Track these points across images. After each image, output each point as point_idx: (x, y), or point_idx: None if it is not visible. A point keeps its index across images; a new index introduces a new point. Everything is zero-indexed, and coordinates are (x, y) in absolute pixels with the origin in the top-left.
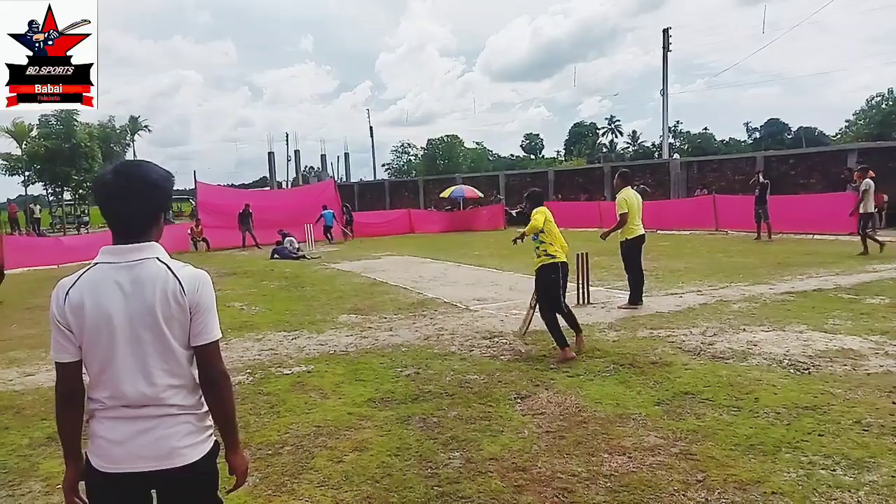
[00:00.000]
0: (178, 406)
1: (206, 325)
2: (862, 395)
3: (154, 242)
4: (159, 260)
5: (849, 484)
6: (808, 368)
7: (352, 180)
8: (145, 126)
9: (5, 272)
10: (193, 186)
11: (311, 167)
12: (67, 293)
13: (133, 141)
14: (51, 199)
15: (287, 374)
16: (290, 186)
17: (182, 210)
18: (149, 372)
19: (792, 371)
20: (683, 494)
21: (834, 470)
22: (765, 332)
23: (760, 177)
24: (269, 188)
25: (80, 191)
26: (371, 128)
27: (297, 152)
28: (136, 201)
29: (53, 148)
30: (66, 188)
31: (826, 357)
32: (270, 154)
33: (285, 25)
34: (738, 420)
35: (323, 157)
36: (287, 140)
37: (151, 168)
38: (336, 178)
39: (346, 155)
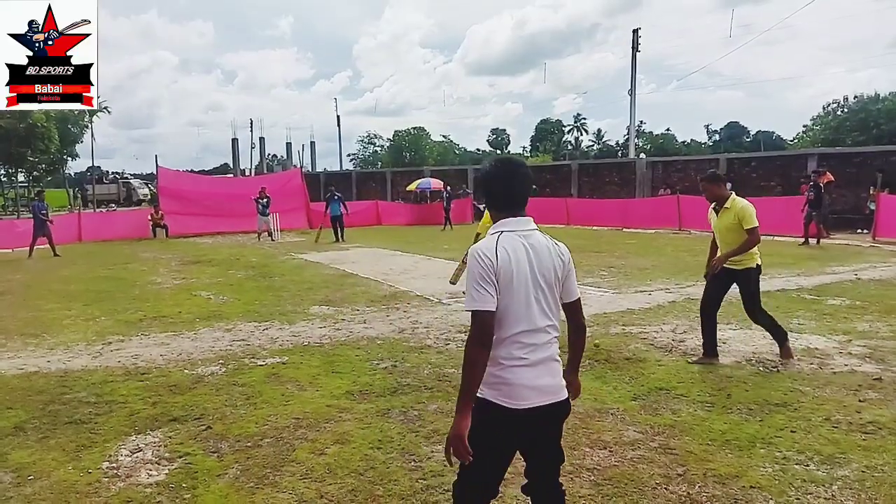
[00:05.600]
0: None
1: (574, 284)
2: (830, 393)
3: (530, 217)
4: (538, 231)
5: (822, 479)
6: (776, 366)
7: (317, 170)
8: (105, 107)
9: None
10: (155, 171)
11: (275, 155)
12: (496, 253)
13: (91, 122)
14: (3, 180)
15: (261, 365)
16: (253, 174)
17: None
18: (549, 318)
19: (761, 368)
20: (666, 488)
21: (807, 465)
22: (733, 331)
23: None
24: (231, 175)
25: (35, 172)
26: (338, 117)
27: (262, 139)
28: (525, 183)
29: (8, 127)
30: (20, 170)
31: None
32: (234, 140)
33: (265, 10)
34: (713, 416)
35: (288, 145)
36: (251, 126)
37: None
38: (301, 167)
39: (313, 143)
